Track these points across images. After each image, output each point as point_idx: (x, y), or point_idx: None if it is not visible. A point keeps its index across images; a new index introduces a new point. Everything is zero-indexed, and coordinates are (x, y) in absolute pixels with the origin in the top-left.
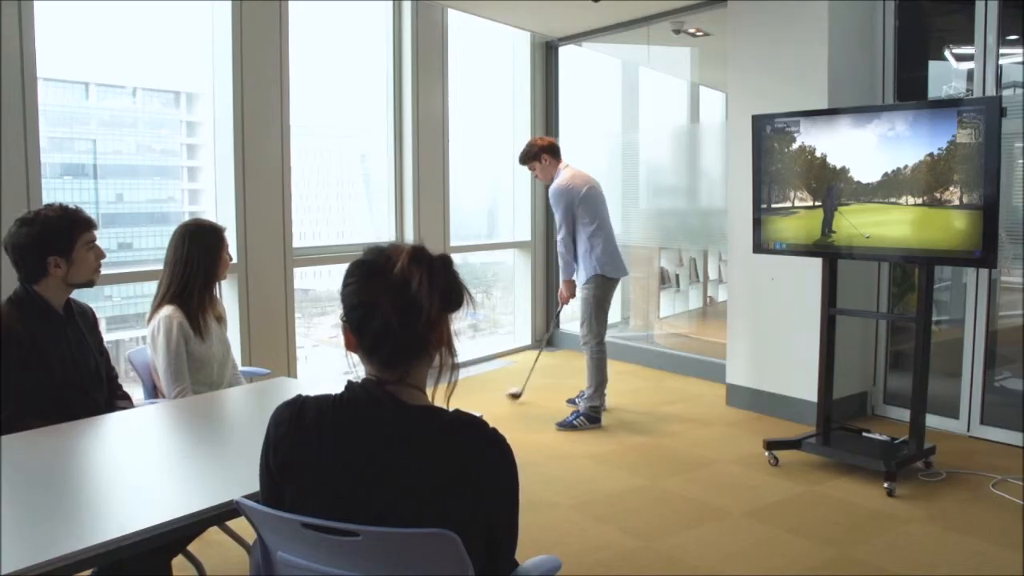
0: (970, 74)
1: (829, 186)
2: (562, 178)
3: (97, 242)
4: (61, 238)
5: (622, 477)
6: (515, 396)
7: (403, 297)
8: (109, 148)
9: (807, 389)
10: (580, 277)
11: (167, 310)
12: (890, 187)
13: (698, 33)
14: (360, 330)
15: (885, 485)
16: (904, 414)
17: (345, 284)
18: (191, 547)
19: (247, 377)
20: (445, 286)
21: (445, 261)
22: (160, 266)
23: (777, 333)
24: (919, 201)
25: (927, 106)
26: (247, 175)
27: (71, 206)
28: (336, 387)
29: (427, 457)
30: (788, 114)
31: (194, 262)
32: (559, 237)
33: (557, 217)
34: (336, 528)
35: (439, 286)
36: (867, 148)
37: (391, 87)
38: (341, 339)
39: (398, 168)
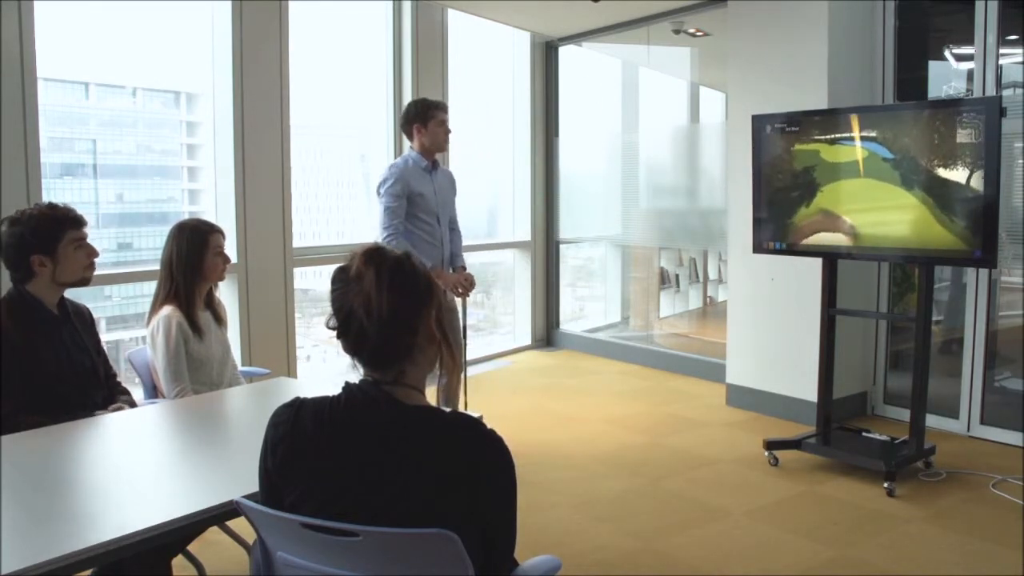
0: (970, 74)
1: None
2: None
3: (89, 240)
4: (44, 236)
5: (622, 477)
6: None
7: (367, 298)
8: (109, 148)
9: (807, 389)
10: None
11: (166, 310)
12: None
13: (698, 33)
14: (343, 334)
15: (885, 485)
16: (904, 414)
17: (330, 290)
18: (191, 547)
19: (247, 377)
20: (402, 283)
21: (398, 259)
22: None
23: (777, 333)
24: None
25: (927, 106)
26: (247, 175)
27: (59, 204)
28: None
29: (424, 457)
30: (788, 114)
31: (177, 261)
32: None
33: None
34: (336, 528)
35: (396, 283)
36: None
37: (391, 87)
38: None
39: None
